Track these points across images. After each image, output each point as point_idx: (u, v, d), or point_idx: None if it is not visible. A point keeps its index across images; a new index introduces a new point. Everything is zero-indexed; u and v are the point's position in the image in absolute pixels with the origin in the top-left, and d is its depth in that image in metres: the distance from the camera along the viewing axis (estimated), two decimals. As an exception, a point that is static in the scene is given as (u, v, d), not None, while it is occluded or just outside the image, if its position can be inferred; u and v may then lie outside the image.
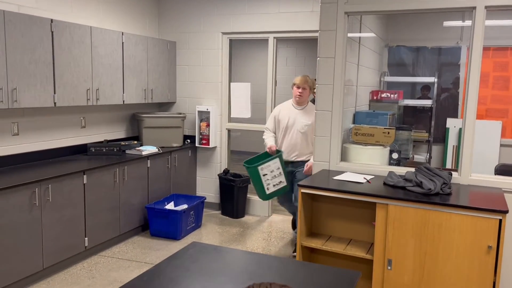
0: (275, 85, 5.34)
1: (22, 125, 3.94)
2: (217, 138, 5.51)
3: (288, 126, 4.04)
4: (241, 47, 8.89)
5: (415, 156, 5.39)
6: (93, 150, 4.53)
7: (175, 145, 5.25)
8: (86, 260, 3.98)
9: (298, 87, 3.99)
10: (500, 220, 2.50)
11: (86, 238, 3.93)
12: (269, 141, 4.09)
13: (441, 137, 5.56)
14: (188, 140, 5.55)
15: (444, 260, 2.63)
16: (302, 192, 3.03)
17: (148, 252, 4.20)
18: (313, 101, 5.72)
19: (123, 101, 4.68)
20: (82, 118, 4.59)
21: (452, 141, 5.29)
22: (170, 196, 4.99)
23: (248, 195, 5.53)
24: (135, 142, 4.95)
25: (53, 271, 3.68)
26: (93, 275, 3.68)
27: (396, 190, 2.89)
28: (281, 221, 5.39)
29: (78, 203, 3.82)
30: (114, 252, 4.19)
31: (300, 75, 4.10)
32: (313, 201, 3.29)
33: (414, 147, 5.47)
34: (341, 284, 1.86)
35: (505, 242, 2.95)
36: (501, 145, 5.03)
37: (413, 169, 3.09)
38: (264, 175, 3.79)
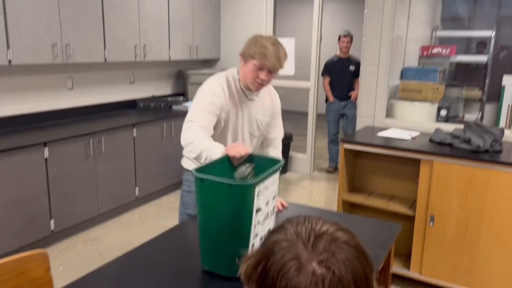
0: (320, 41, 5.23)
1: (76, 80, 4.13)
2: (261, 95, 5.51)
3: (237, 126, 2.09)
4: (285, 1, 8.68)
5: (466, 115, 5.17)
6: (142, 105, 4.69)
7: (219, 101, 5.32)
8: (136, 208, 4.24)
9: (262, 68, 1.93)
10: (553, 179, 2.40)
11: (136, 188, 4.16)
12: (217, 148, 1.81)
13: (496, 95, 5.26)
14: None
15: (490, 218, 2.59)
16: (345, 148, 3.03)
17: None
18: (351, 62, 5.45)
19: (169, 57, 4.76)
20: (131, 74, 4.74)
21: (507, 100, 5.01)
22: (215, 151, 5.12)
23: (290, 152, 5.58)
24: (181, 98, 5.07)
25: (107, 217, 3.95)
26: (144, 223, 3.92)
27: (442, 147, 2.82)
28: (323, 178, 5.43)
29: (129, 154, 4.03)
30: (163, 202, 4.42)
31: (270, 43, 1.93)
32: (356, 157, 3.28)
33: (465, 106, 5.23)
34: (382, 235, 1.89)
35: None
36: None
37: (462, 126, 2.99)
38: (257, 211, 1.46)
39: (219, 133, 2.06)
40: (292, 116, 9.61)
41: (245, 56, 1.97)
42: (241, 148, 1.74)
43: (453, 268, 2.74)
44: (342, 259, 0.71)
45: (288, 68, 5.33)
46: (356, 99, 5.30)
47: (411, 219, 2.89)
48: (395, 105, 3.55)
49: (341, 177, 3.11)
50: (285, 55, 1.99)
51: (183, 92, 5.41)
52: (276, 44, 1.95)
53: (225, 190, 1.39)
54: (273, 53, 1.91)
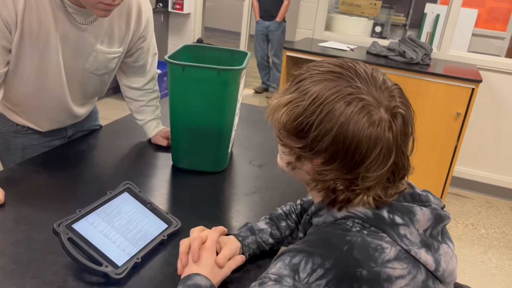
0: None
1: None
2: (192, 3, 5.23)
3: (49, 62, 1.24)
4: None
5: (390, 40, 5.43)
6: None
7: (147, 7, 4.94)
8: None
9: None
10: (473, 89, 2.67)
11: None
12: None
13: (417, 23, 5.56)
14: (161, 4, 5.24)
15: (416, 125, 2.82)
16: (287, 55, 3.04)
17: (122, 113, 4.20)
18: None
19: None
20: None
21: (427, 27, 5.33)
22: (142, 61, 4.84)
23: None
24: None
25: None
26: None
27: (378, 58, 2.96)
28: (254, 96, 5.47)
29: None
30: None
31: None
32: (295, 66, 3.31)
33: (390, 30, 5.48)
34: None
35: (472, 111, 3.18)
36: (473, 35, 5.14)
37: (396, 41, 3.14)
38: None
39: (15, 72, 1.23)
40: (223, 35, 9.30)
41: None
42: None
43: (378, 171, 3.00)
44: (404, 103, 0.73)
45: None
46: (281, 19, 5.18)
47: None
48: (335, 18, 3.59)
49: (282, 85, 3.14)
50: None
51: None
52: None
53: (213, 77, 1.27)
54: None
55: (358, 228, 0.70)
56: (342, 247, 0.67)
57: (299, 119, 0.69)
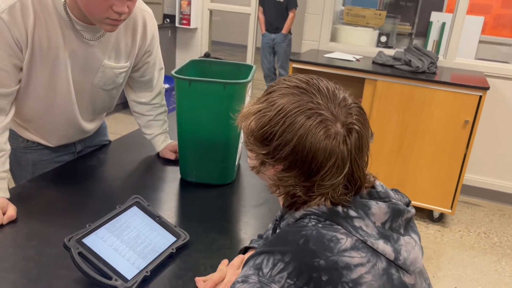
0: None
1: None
2: (198, 18, 5.30)
3: (57, 79, 1.27)
4: None
5: (396, 49, 5.43)
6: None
7: (154, 23, 5.02)
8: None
9: None
10: (480, 97, 2.65)
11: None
12: None
13: (423, 31, 5.57)
14: (168, 20, 5.32)
15: (423, 133, 2.82)
16: (293, 67, 3.06)
17: (131, 128, 4.25)
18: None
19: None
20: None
21: (433, 35, 5.33)
22: (150, 76, 4.91)
23: (228, 81, 5.52)
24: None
25: None
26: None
27: (384, 68, 2.96)
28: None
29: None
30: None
31: None
32: (301, 78, 3.33)
33: (396, 40, 5.49)
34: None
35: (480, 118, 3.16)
36: (480, 42, 5.13)
37: (402, 50, 3.15)
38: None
39: (26, 89, 1.26)
40: (230, 48, 9.38)
41: None
42: None
43: (387, 181, 2.99)
44: (360, 120, 0.77)
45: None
46: (287, 31, 5.26)
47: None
48: (340, 29, 3.61)
49: (288, 97, 3.16)
50: None
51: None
52: None
53: (219, 91, 1.30)
54: None
55: (313, 223, 0.74)
56: (298, 241, 0.71)
57: (265, 128, 0.75)
